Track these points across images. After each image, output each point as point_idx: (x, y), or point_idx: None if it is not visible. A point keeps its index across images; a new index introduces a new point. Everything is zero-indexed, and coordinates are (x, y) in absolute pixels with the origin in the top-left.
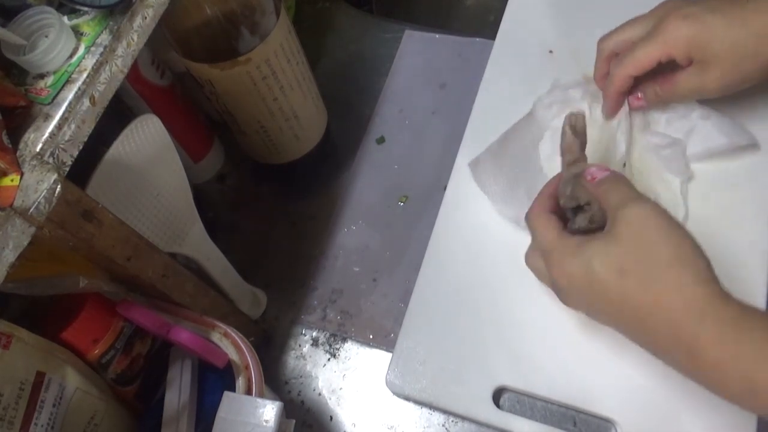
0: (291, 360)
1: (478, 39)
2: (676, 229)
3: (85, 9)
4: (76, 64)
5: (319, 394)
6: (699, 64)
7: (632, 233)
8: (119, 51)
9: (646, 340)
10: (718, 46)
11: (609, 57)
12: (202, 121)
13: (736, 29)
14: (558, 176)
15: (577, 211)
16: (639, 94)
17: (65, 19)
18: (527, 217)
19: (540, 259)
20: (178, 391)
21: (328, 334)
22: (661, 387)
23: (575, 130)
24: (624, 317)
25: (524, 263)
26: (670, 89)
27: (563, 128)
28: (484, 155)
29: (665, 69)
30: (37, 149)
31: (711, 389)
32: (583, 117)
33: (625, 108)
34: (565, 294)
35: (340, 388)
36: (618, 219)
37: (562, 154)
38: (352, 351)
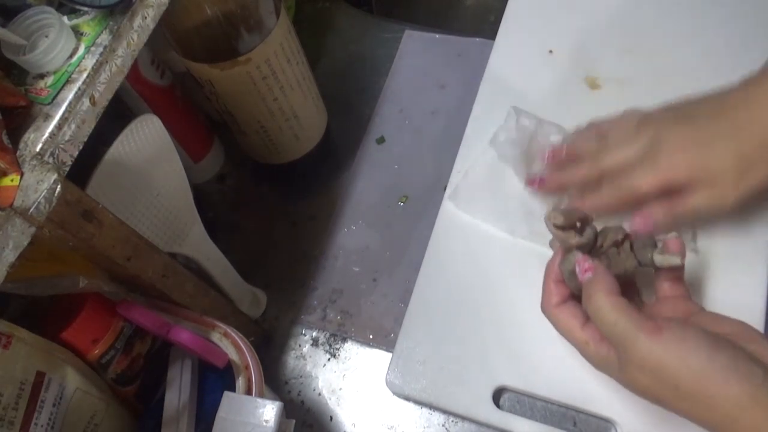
0: (291, 360)
1: (478, 39)
2: (687, 358)
3: (85, 9)
4: (76, 64)
5: (319, 394)
6: (706, 182)
7: (651, 378)
8: (119, 51)
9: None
10: (721, 163)
11: (591, 180)
12: (202, 121)
13: (736, 142)
14: (553, 261)
15: None
16: (645, 215)
17: (65, 19)
18: (543, 310)
19: (588, 353)
20: (178, 391)
21: (328, 334)
22: None
23: (559, 227)
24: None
25: (524, 267)
26: (682, 210)
27: (549, 228)
28: (462, 183)
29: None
30: (37, 149)
31: None
32: (560, 213)
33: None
34: (628, 387)
35: (340, 388)
36: (626, 362)
37: (558, 246)
38: (352, 351)
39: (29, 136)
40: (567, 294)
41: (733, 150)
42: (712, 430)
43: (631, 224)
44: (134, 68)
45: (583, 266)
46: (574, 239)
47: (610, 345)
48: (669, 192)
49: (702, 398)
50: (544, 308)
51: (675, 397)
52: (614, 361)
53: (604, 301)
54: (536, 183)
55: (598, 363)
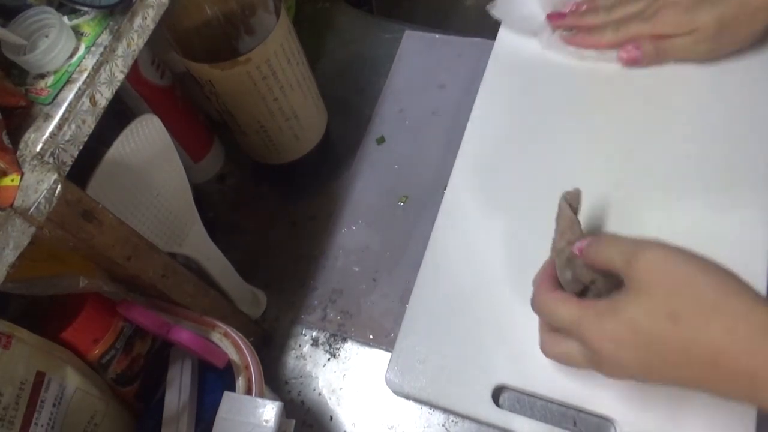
0: (291, 360)
1: (478, 39)
2: (695, 259)
3: (86, 9)
4: (76, 64)
5: (319, 394)
6: (687, 32)
7: (660, 279)
8: (119, 51)
9: (717, 380)
10: (703, 22)
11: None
12: (202, 121)
13: (721, 7)
14: (550, 260)
15: (582, 294)
16: (636, 43)
17: (65, 19)
18: (534, 303)
19: (565, 341)
20: (178, 391)
21: (328, 334)
22: (662, 387)
23: (573, 208)
24: (691, 364)
25: (523, 266)
26: (665, 46)
27: (561, 206)
28: None
29: None
30: (38, 149)
31: None
32: (580, 193)
33: None
34: (613, 360)
35: (340, 388)
36: (635, 273)
37: (560, 233)
38: (352, 351)
39: (29, 136)
40: (558, 289)
41: (716, 13)
42: (712, 361)
43: (619, 52)
44: (134, 68)
45: (582, 238)
46: (578, 225)
47: (607, 302)
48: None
49: (708, 305)
50: (537, 297)
51: (680, 309)
52: (618, 303)
53: (607, 238)
54: (556, 18)
55: (599, 324)
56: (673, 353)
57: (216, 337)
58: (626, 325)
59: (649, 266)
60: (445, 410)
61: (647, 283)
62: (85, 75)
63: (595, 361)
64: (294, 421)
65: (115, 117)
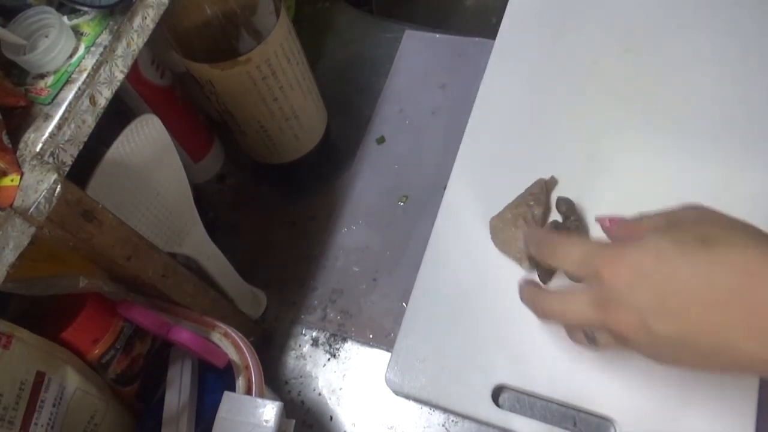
0: (291, 360)
1: (478, 39)
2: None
3: (85, 9)
4: (76, 64)
5: (319, 394)
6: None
7: (691, 213)
8: (119, 51)
9: (739, 317)
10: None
11: None
12: (202, 121)
13: None
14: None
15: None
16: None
17: (65, 19)
18: (538, 242)
19: (564, 291)
20: (178, 391)
21: (328, 334)
22: (661, 386)
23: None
24: (715, 292)
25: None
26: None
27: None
28: None
29: None
30: (37, 149)
31: None
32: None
33: None
34: (624, 294)
35: (340, 388)
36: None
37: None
38: (352, 351)
39: (29, 136)
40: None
41: None
42: (740, 286)
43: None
44: (134, 68)
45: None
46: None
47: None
48: None
49: (740, 234)
50: (539, 235)
51: (713, 235)
52: (644, 237)
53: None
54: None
55: (619, 252)
56: (698, 278)
57: (216, 337)
58: (651, 251)
59: (679, 211)
60: (445, 410)
61: (677, 217)
62: (85, 75)
63: (602, 301)
64: (294, 421)
65: (115, 117)
